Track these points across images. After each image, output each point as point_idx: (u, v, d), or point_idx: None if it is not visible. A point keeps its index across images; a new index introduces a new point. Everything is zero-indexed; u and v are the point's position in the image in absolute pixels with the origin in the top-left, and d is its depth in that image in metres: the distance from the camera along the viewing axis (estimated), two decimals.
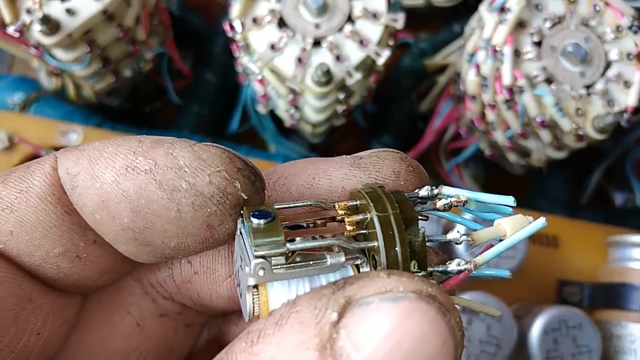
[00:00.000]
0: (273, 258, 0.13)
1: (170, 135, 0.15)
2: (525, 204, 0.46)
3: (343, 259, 0.14)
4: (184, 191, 0.14)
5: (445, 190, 0.15)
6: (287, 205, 0.15)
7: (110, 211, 0.14)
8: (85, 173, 0.14)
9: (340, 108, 0.39)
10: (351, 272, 0.14)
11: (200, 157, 0.14)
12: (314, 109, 0.38)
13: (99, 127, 0.42)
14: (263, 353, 0.12)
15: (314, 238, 0.14)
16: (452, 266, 0.14)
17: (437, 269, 0.14)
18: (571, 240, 0.40)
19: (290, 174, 0.16)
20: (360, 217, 0.14)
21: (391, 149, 0.16)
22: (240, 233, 0.14)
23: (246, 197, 0.14)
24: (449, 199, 0.14)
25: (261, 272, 0.13)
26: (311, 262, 0.14)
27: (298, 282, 0.14)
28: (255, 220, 0.14)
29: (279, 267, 0.13)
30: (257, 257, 0.13)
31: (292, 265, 0.13)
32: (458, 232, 0.14)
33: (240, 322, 0.19)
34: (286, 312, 0.12)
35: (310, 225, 0.15)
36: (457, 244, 0.14)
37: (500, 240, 0.14)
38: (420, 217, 0.14)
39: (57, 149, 0.26)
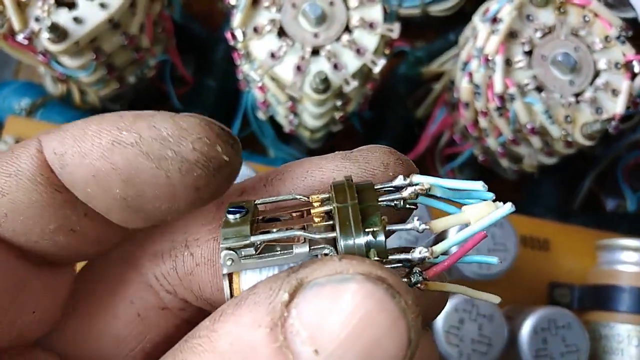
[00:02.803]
0: (243, 250, 0.15)
1: None
2: (518, 209, 0.47)
3: (307, 249, 0.14)
4: (170, 159, 0.15)
5: (416, 178, 0.15)
6: (268, 200, 0.16)
7: (102, 184, 0.15)
8: (73, 151, 0.15)
9: (337, 114, 0.40)
10: None
11: (182, 127, 0.15)
12: (312, 115, 0.39)
13: None
14: (221, 330, 0.13)
15: (279, 230, 0.15)
16: (415, 254, 0.14)
17: (399, 257, 0.14)
18: (562, 244, 0.41)
19: (287, 170, 0.17)
20: (326, 208, 0.15)
21: (381, 145, 0.17)
22: None
23: (227, 159, 0.15)
24: (415, 187, 0.15)
25: (229, 262, 0.15)
26: (278, 253, 0.15)
27: (269, 270, 0.15)
28: (230, 216, 0.15)
29: (248, 257, 0.15)
30: (223, 248, 0.15)
31: (260, 255, 0.15)
32: (418, 220, 0.14)
33: None
34: (246, 294, 0.13)
35: (287, 218, 0.16)
36: (418, 232, 0.14)
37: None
38: (410, 206, 0.15)
39: None
